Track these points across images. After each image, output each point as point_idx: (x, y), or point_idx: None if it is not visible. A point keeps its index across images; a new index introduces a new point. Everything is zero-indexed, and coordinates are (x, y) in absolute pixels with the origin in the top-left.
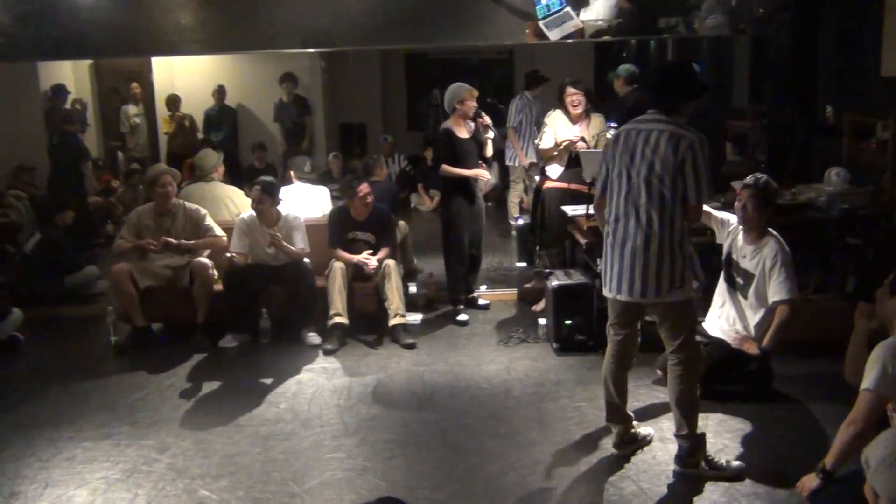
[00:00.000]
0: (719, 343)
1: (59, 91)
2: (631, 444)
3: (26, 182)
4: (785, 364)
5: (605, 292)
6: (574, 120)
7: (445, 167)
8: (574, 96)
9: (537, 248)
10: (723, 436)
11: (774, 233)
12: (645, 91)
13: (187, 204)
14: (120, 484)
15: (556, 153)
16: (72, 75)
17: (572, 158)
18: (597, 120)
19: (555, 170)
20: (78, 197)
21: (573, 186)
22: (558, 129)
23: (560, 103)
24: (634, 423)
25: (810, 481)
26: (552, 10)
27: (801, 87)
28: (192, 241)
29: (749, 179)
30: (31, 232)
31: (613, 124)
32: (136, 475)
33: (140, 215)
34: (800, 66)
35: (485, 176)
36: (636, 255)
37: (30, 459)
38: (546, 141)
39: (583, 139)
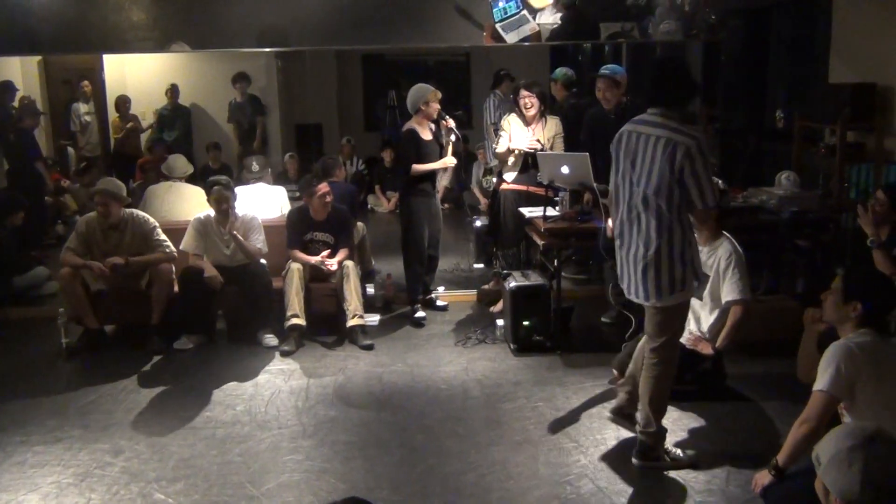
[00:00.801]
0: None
1: (7, 88)
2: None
3: None
4: (737, 363)
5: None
6: (528, 122)
7: (416, 166)
8: (527, 98)
9: (494, 249)
10: (677, 434)
11: (727, 235)
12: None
13: (137, 215)
14: (72, 488)
15: (510, 158)
16: (20, 72)
17: (528, 162)
18: (552, 122)
19: (511, 173)
20: (34, 196)
21: (530, 189)
22: (513, 131)
23: (515, 105)
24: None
25: (763, 477)
26: (509, 14)
27: (752, 93)
28: (142, 258)
29: None
30: None
31: None
32: (90, 479)
33: (89, 226)
34: (751, 72)
35: (452, 162)
36: (636, 261)
37: None
38: (501, 145)
39: (538, 141)
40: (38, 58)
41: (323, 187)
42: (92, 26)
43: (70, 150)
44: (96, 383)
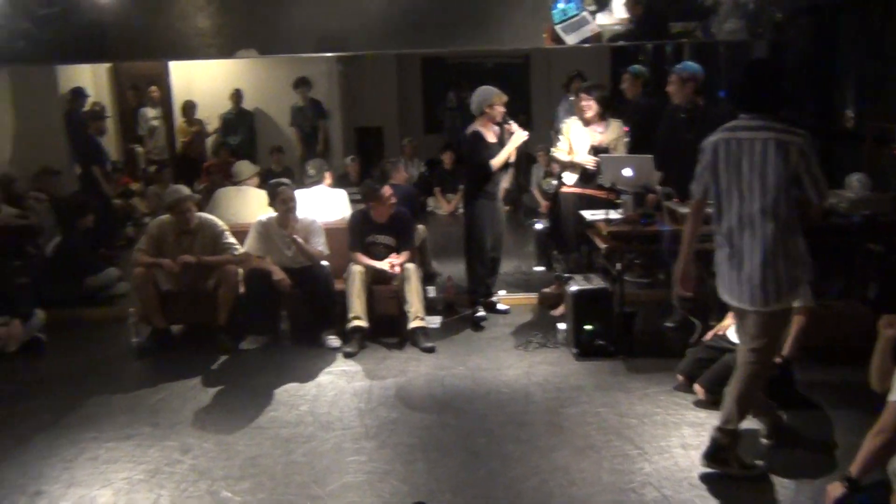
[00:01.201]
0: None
1: (78, 94)
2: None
3: (48, 185)
4: (807, 370)
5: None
6: (587, 124)
7: (493, 162)
8: (584, 102)
9: (554, 252)
10: (744, 442)
11: None
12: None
13: (207, 218)
14: (143, 484)
15: (569, 161)
16: (91, 78)
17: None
18: (615, 125)
19: (570, 176)
20: (100, 199)
21: (588, 191)
22: (573, 135)
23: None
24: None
25: (835, 489)
26: (569, 15)
27: (821, 93)
28: (211, 258)
29: None
30: (52, 235)
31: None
32: (159, 476)
33: (161, 228)
34: (819, 72)
35: (524, 136)
36: (753, 267)
37: (53, 460)
38: (560, 153)
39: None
40: (108, 65)
41: (387, 190)
42: (158, 34)
43: (139, 151)
44: (165, 382)
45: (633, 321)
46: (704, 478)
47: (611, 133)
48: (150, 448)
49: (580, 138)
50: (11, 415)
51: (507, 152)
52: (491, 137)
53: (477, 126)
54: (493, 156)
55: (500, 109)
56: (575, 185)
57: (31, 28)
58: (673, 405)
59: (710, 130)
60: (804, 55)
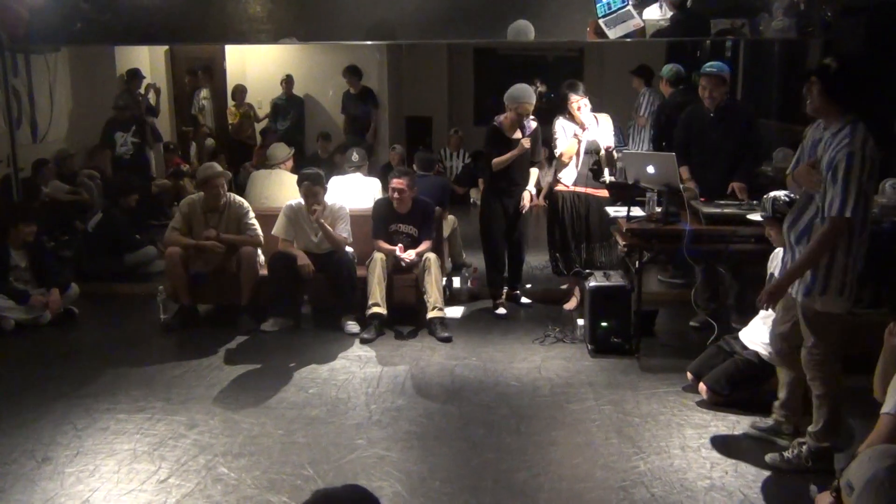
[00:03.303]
0: (754, 353)
1: (135, 75)
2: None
3: (101, 163)
4: None
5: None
6: (580, 124)
7: (494, 161)
8: (575, 102)
9: (552, 250)
10: (746, 447)
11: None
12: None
13: (235, 199)
14: (146, 456)
15: (569, 157)
16: (148, 60)
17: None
18: (605, 120)
19: (569, 174)
20: (143, 179)
21: (588, 191)
22: (566, 130)
23: (564, 110)
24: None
25: (823, 499)
26: (613, 9)
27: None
28: (231, 236)
29: (767, 206)
30: (97, 211)
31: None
32: (162, 449)
33: (191, 207)
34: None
35: (522, 148)
36: None
37: (66, 427)
38: (561, 144)
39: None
40: (165, 48)
41: (397, 182)
42: (211, 18)
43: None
44: (184, 359)
45: (654, 320)
46: (697, 480)
47: (604, 128)
48: (159, 422)
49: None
50: (35, 382)
51: (509, 157)
52: (514, 133)
53: (501, 119)
54: (502, 152)
55: (518, 113)
56: (573, 184)
57: (90, 10)
58: (679, 406)
59: (735, 130)
60: (856, 55)
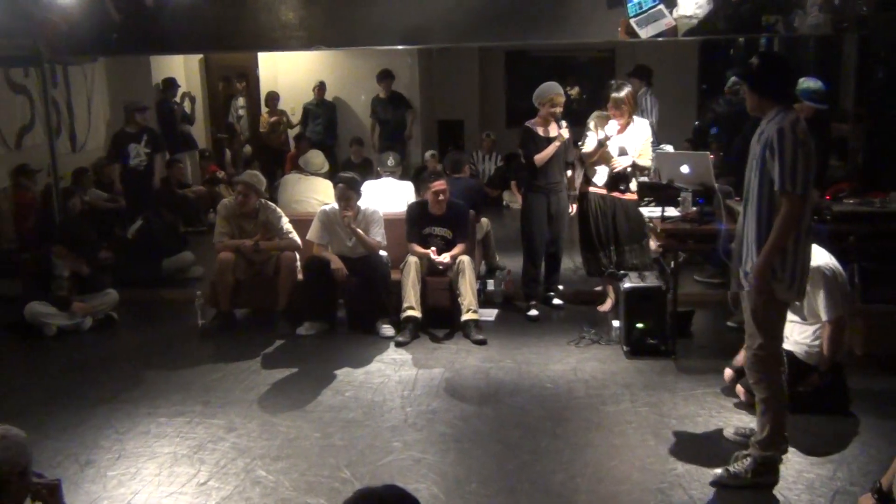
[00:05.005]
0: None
1: (170, 84)
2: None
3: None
4: (868, 377)
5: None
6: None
7: (536, 157)
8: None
9: (584, 252)
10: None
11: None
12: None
13: (268, 205)
14: (185, 459)
15: (596, 156)
16: (183, 70)
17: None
18: (642, 124)
19: (597, 176)
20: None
21: (615, 193)
22: (599, 129)
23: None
24: None
25: (866, 501)
26: (644, 8)
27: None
28: (269, 243)
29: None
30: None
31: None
32: (202, 452)
33: (228, 209)
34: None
35: (556, 144)
36: None
37: (108, 431)
38: (588, 144)
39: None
40: (200, 56)
41: (437, 185)
42: (244, 26)
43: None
44: (222, 362)
45: (690, 321)
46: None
47: (639, 131)
48: (198, 425)
49: (607, 131)
50: (77, 387)
51: (551, 151)
52: (549, 132)
53: (532, 122)
54: (539, 151)
55: (549, 109)
56: (604, 186)
57: (125, 21)
58: (717, 407)
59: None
60: (890, 51)
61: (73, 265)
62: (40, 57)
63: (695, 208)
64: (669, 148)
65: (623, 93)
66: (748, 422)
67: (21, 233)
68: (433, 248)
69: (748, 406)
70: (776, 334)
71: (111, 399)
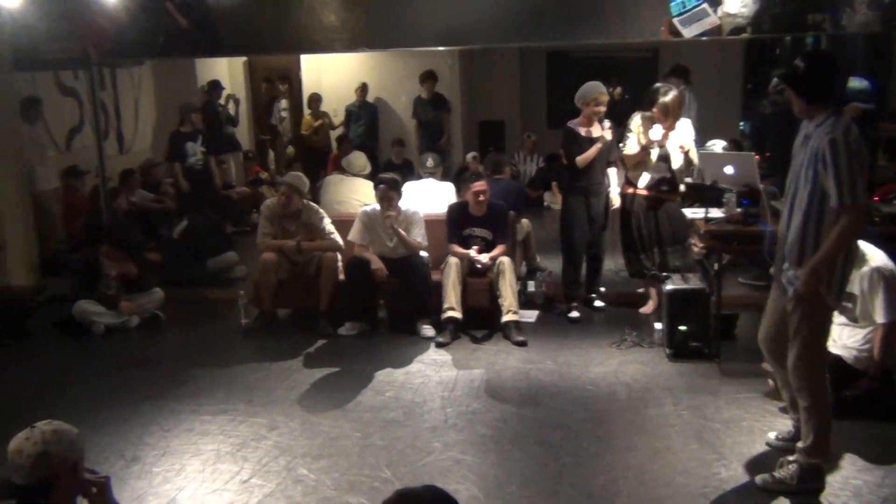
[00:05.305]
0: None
1: (215, 86)
2: None
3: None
4: None
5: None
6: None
7: (578, 159)
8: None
9: (626, 253)
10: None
11: (870, 253)
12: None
13: (311, 206)
14: (229, 457)
15: (639, 159)
16: (227, 72)
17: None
18: (685, 123)
19: (643, 177)
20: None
21: (661, 195)
22: (641, 131)
23: (648, 108)
24: None
25: None
26: (688, 7)
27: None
28: (312, 244)
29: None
30: (182, 219)
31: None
32: (245, 450)
33: (272, 210)
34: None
35: (598, 145)
36: None
37: (153, 428)
38: (630, 146)
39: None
40: (244, 58)
41: (478, 186)
42: (287, 29)
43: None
44: (265, 361)
45: (735, 323)
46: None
47: (684, 132)
48: (241, 423)
49: (651, 133)
50: (124, 385)
51: (594, 152)
52: (592, 132)
53: (574, 122)
54: (581, 152)
55: (594, 109)
56: (647, 188)
57: (171, 24)
58: (762, 411)
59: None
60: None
61: (121, 265)
62: (89, 60)
63: (739, 209)
64: (719, 146)
65: (671, 97)
66: (790, 425)
67: (70, 233)
68: (475, 248)
69: (779, 396)
70: (820, 339)
71: (157, 396)
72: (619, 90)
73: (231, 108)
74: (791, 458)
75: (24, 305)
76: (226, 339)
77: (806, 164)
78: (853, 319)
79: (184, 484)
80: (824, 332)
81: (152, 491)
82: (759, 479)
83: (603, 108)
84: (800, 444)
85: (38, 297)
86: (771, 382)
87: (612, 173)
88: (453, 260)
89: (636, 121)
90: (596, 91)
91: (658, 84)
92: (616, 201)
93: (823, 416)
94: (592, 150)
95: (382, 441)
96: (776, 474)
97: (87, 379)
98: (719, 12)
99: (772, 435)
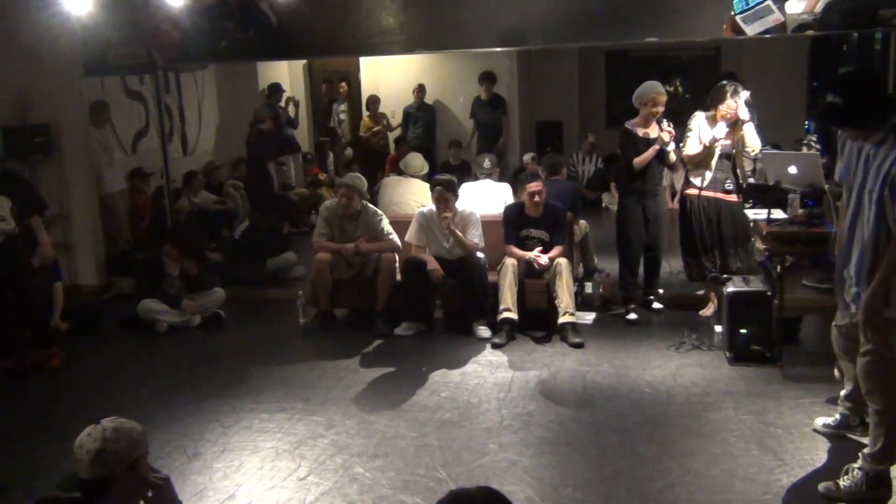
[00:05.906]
0: None
1: (276, 89)
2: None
3: (243, 173)
4: None
5: None
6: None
7: (635, 161)
8: (731, 102)
9: (685, 255)
10: None
11: None
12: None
13: (369, 207)
14: (287, 454)
15: (701, 158)
16: (287, 75)
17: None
18: (748, 128)
19: (705, 177)
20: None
21: (719, 195)
22: (702, 130)
23: (712, 106)
24: None
25: None
26: (751, 4)
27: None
28: (371, 245)
29: None
30: (244, 219)
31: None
32: (302, 447)
33: (330, 211)
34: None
35: (656, 147)
36: None
37: (214, 425)
38: (691, 146)
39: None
40: (304, 61)
41: (533, 186)
42: (346, 32)
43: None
44: (322, 360)
45: (798, 327)
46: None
47: (747, 135)
48: (298, 421)
49: (709, 133)
50: (186, 382)
51: (651, 154)
52: (649, 133)
53: (632, 122)
54: (639, 153)
55: (651, 109)
56: (706, 188)
57: (234, 29)
58: (826, 418)
59: None
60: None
61: (183, 265)
62: (154, 65)
63: (803, 210)
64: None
65: (739, 96)
66: (837, 413)
67: (136, 233)
68: (539, 249)
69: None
70: (890, 343)
71: (217, 394)
72: (680, 89)
73: (291, 110)
74: (856, 464)
75: (95, 303)
76: (285, 338)
77: (870, 185)
78: None
79: (243, 480)
80: (893, 335)
81: (212, 486)
82: (822, 486)
83: (661, 109)
84: (866, 451)
85: (104, 295)
86: (837, 373)
87: (667, 174)
88: (510, 261)
89: (697, 120)
90: (654, 91)
91: (723, 82)
92: (671, 202)
93: (893, 421)
94: (650, 152)
95: (438, 441)
96: (841, 482)
97: (150, 376)
98: (785, 8)
99: (819, 422)
